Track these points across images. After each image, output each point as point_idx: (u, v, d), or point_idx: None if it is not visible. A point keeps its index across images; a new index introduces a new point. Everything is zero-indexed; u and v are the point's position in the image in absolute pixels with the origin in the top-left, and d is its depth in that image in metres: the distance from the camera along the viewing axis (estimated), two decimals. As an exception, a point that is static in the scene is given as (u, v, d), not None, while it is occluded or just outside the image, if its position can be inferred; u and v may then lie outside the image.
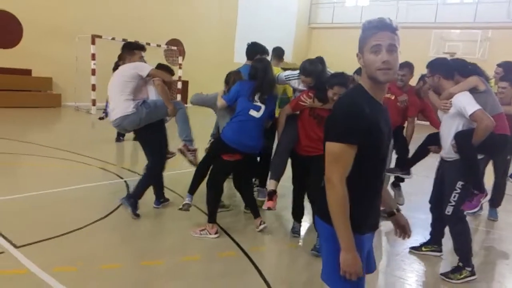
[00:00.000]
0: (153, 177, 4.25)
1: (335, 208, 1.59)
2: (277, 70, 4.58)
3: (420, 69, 5.00)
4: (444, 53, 16.96)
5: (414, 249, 3.84)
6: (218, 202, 3.97)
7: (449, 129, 3.36)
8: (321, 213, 1.71)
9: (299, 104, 3.63)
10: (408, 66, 4.61)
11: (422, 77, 4.73)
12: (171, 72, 4.47)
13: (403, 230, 1.97)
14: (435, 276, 3.45)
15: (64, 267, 2.99)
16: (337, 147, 1.58)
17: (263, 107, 3.72)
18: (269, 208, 3.76)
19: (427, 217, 3.90)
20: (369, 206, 1.72)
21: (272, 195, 3.73)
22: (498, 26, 16.62)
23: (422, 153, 4.24)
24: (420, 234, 4.06)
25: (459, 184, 3.32)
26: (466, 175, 3.34)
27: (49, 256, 3.17)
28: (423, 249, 3.82)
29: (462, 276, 3.31)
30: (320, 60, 3.67)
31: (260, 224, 3.92)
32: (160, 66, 4.35)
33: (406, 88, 4.64)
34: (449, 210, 3.36)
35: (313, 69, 3.61)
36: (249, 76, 3.87)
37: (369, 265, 1.83)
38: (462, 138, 3.29)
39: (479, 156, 3.40)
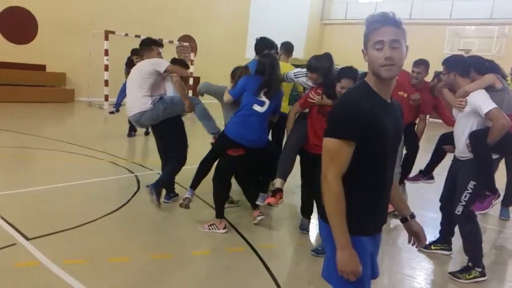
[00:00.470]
0: (178, 169, 4.30)
1: (329, 205, 1.57)
2: (286, 66, 4.56)
3: (435, 66, 4.94)
4: (459, 50, 16.70)
5: (423, 247, 3.80)
6: (226, 198, 3.98)
7: (463, 128, 3.31)
8: (321, 212, 1.69)
9: (307, 101, 3.60)
10: (424, 64, 4.55)
11: (437, 75, 4.67)
12: (186, 66, 4.56)
13: (416, 237, 1.89)
14: (444, 275, 3.41)
15: (75, 260, 3.04)
16: (333, 143, 1.55)
17: (267, 102, 3.69)
18: (269, 204, 3.70)
19: (438, 216, 3.86)
20: (371, 207, 1.67)
21: (276, 192, 3.69)
22: (516, 23, 16.30)
23: (439, 155, 4.16)
24: (430, 233, 4.00)
25: (471, 184, 3.26)
26: (479, 176, 3.29)
27: (59, 248, 3.22)
28: (432, 247, 3.79)
29: (471, 277, 3.26)
30: (327, 56, 3.60)
31: (257, 216, 3.91)
32: (174, 61, 4.40)
33: (421, 85, 4.58)
34: (459, 209, 3.31)
35: (319, 65, 3.55)
36: (256, 71, 3.83)
37: (372, 270, 1.76)
38: (477, 138, 3.23)
39: (494, 156, 3.34)
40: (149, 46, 4.34)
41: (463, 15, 17.46)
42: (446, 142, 3.91)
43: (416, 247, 1.93)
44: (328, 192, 1.56)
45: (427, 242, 3.77)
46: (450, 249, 3.78)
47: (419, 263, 3.59)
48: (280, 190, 3.69)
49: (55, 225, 3.59)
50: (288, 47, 4.96)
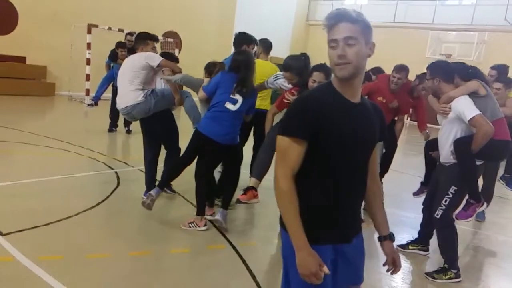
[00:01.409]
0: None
1: (280, 205, 1.50)
2: (266, 64, 4.56)
3: (417, 70, 5.03)
4: (441, 55, 17.03)
5: (401, 247, 3.86)
6: (208, 195, 3.95)
7: (448, 134, 3.31)
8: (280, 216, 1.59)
9: (283, 102, 3.57)
10: (405, 70, 4.60)
11: (419, 76, 4.75)
12: (177, 60, 4.57)
13: (388, 259, 1.75)
14: (421, 275, 3.47)
15: (51, 256, 2.98)
16: (283, 141, 1.50)
17: (240, 100, 3.61)
18: (238, 200, 3.61)
19: (416, 216, 3.93)
20: (325, 214, 1.56)
21: (248, 190, 3.60)
22: (495, 29, 16.68)
23: (431, 162, 4.08)
24: (408, 232, 4.09)
25: (452, 189, 3.29)
26: (460, 181, 3.29)
27: (35, 244, 3.16)
28: (410, 247, 3.85)
29: (446, 277, 3.33)
30: (303, 56, 3.55)
31: (209, 215, 3.86)
32: (164, 55, 4.40)
33: (398, 89, 4.63)
34: (438, 213, 3.34)
35: (292, 63, 3.50)
36: (230, 69, 3.73)
37: (348, 278, 1.65)
38: (461, 145, 3.23)
39: (478, 162, 3.33)
40: (144, 40, 4.31)
41: (445, 20, 17.79)
42: (431, 148, 3.90)
43: (391, 273, 1.77)
44: (278, 190, 1.50)
45: (405, 242, 3.88)
46: (427, 250, 3.84)
47: (396, 262, 3.63)
48: (253, 189, 3.60)
49: (31, 220, 3.51)
50: (266, 45, 4.90)
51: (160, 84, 4.33)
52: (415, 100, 4.77)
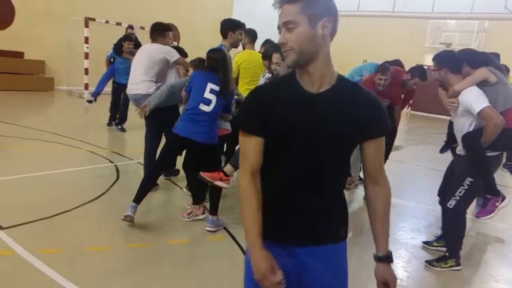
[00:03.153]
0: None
1: (240, 202, 1.41)
2: (255, 53, 4.56)
3: (417, 59, 5.00)
4: (441, 44, 16.96)
5: (427, 244, 3.78)
6: (199, 185, 3.83)
7: (461, 127, 3.19)
8: None
9: None
10: (390, 70, 4.56)
11: (411, 70, 4.75)
12: (186, 54, 4.67)
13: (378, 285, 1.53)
14: (421, 263, 3.47)
15: (51, 249, 2.99)
16: (240, 135, 1.41)
17: (214, 100, 3.45)
18: (201, 177, 3.42)
19: (416, 205, 3.92)
20: (275, 209, 1.43)
21: (215, 171, 3.46)
22: (495, 17, 16.55)
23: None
24: (408, 221, 4.08)
25: (468, 180, 3.18)
26: (476, 174, 3.18)
27: (36, 238, 3.16)
28: (435, 244, 3.75)
29: (447, 265, 3.33)
30: None
31: (186, 214, 3.78)
32: (176, 49, 4.43)
33: (385, 88, 4.59)
34: (451, 203, 3.24)
35: (270, 52, 3.41)
36: (208, 67, 3.57)
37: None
38: (469, 141, 3.13)
39: (494, 153, 3.19)
40: (163, 31, 4.37)
41: (445, 9, 17.64)
42: (453, 141, 3.67)
43: None
44: (239, 188, 1.41)
45: (428, 239, 3.76)
46: None
47: (396, 251, 3.64)
48: (222, 172, 3.46)
49: (30, 214, 3.51)
50: (253, 35, 4.87)
51: (172, 79, 4.34)
52: (407, 92, 4.78)
